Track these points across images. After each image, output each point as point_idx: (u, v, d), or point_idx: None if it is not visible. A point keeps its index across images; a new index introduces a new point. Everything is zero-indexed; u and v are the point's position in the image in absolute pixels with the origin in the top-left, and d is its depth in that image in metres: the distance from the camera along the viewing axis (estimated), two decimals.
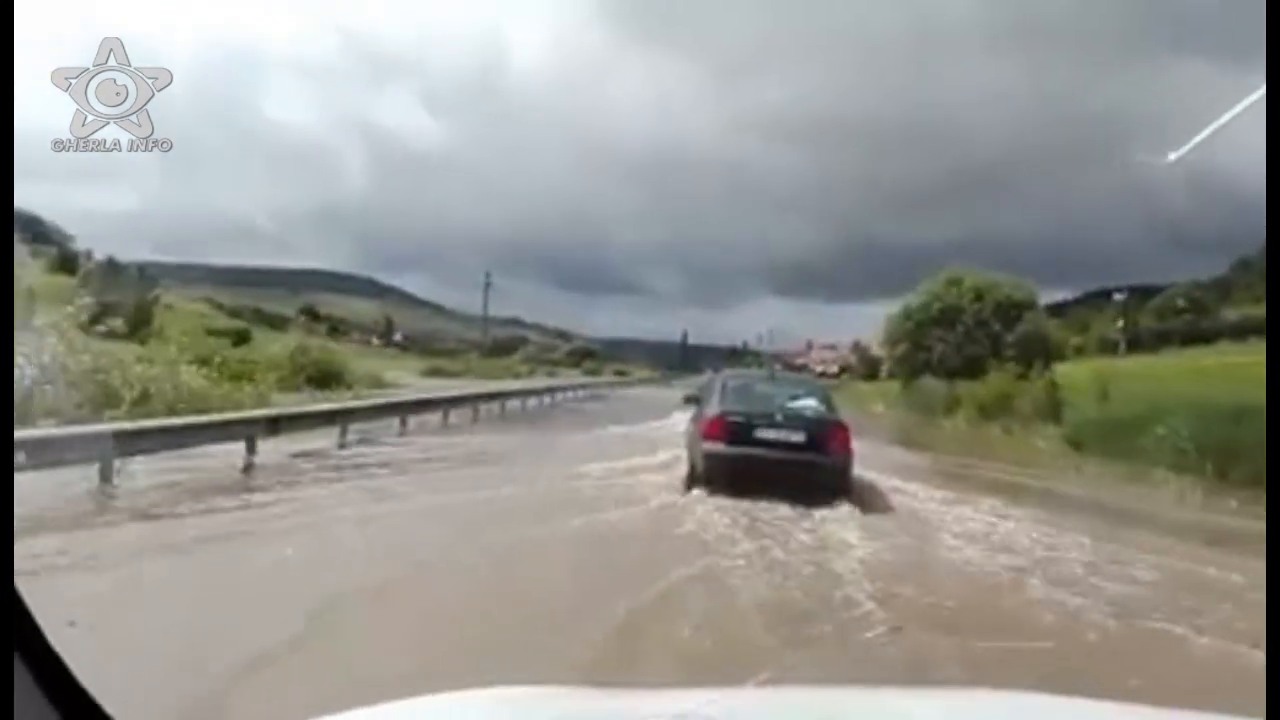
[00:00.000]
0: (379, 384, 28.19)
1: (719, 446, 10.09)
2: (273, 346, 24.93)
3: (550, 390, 34.29)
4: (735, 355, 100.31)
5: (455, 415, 20.44)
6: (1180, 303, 73.09)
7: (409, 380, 33.13)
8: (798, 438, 10.18)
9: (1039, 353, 31.18)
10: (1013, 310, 32.01)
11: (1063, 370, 29.95)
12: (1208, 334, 65.89)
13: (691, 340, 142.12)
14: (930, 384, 30.73)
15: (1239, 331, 64.41)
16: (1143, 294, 68.44)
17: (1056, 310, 54.45)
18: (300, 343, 24.75)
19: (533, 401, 30.02)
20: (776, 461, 9.89)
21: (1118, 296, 64.74)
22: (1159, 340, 61.46)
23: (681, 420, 14.39)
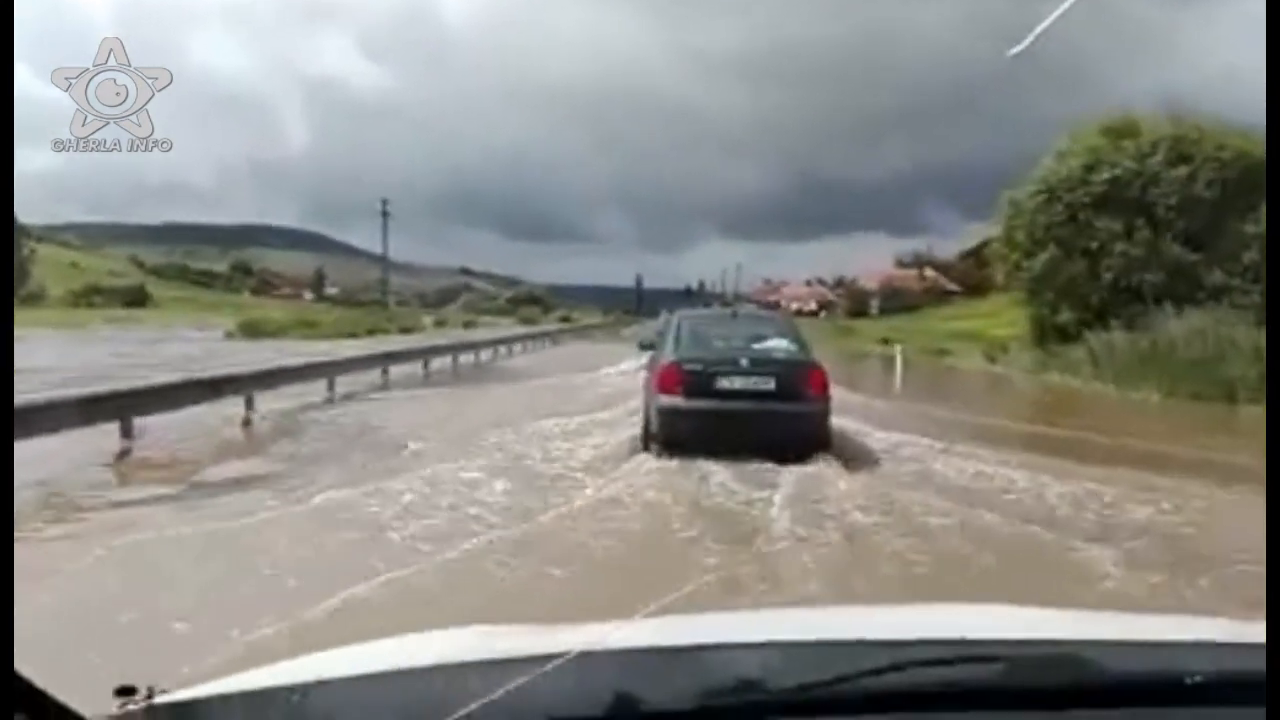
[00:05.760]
0: None
1: (675, 400, 8.68)
2: None
3: (387, 357, 18.71)
4: (691, 296, 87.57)
5: None
6: None
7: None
8: (767, 385, 8.72)
9: None
10: (1246, 178, 17.54)
11: None
12: None
13: (647, 284, 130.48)
14: (1198, 325, 15.40)
15: None
16: None
17: None
18: None
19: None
20: (744, 414, 8.56)
21: None
22: None
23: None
